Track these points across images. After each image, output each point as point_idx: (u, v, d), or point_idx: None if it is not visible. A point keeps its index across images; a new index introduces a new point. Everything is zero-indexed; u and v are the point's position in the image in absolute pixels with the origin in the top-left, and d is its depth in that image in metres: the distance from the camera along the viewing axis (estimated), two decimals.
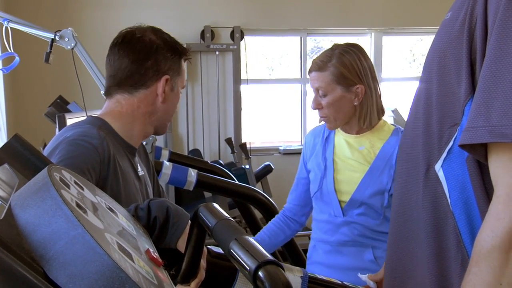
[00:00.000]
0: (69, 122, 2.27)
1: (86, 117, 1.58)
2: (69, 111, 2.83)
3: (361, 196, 1.83)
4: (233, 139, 5.05)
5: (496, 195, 0.80)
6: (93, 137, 1.36)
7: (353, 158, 1.89)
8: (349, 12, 5.41)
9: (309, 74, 1.92)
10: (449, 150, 0.94)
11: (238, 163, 4.82)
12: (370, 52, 5.68)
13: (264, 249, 2.20)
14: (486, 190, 0.88)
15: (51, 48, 2.29)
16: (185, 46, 1.59)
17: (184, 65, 1.58)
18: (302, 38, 5.56)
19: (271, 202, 2.70)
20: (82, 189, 0.83)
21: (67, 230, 0.62)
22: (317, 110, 1.92)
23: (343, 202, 1.87)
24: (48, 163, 1.01)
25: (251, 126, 5.43)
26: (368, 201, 1.82)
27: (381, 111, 1.93)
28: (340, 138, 1.96)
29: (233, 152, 4.90)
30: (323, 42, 5.92)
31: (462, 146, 0.84)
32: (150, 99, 1.50)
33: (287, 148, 5.38)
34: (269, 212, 2.66)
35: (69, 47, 2.27)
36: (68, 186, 0.76)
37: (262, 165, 4.66)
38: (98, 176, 1.33)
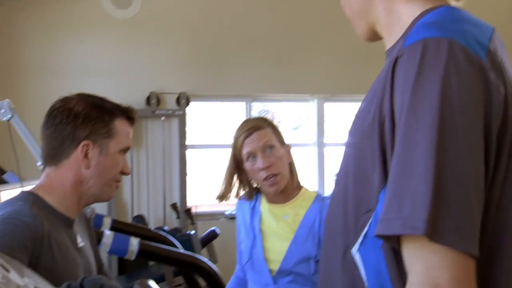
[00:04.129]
0: (2, 194, 2.20)
1: (20, 188, 1.56)
2: (4, 181, 2.75)
3: (288, 265, 1.85)
4: (178, 204, 5.01)
5: (409, 282, 0.84)
6: (25, 215, 1.34)
7: (279, 228, 1.92)
8: (293, 79, 5.58)
9: (246, 138, 1.92)
10: (365, 234, 0.97)
11: (183, 229, 4.76)
12: (313, 117, 5.85)
13: None
14: (401, 275, 0.90)
15: None
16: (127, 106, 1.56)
17: (123, 125, 1.54)
18: (247, 104, 5.67)
19: (213, 270, 2.67)
20: (8, 271, 0.82)
21: None
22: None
23: (273, 271, 1.89)
24: None
25: (196, 191, 5.40)
26: (295, 269, 1.84)
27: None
28: (265, 208, 1.99)
29: (178, 217, 4.85)
30: (270, 105, 6.05)
31: (377, 236, 0.88)
32: (75, 168, 1.48)
33: (233, 212, 5.36)
34: (212, 280, 2.63)
35: (5, 118, 2.23)
36: None
37: (208, 230, 4.62)
38: (31, 253, 1.30)
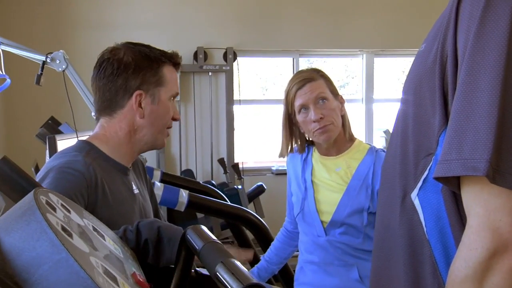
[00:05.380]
0: (60, 143, 2.27)
1: (76, 139, 1.59)
2: (60, 132, 2.83)
3: (340, 216, 1.85)
4: (225, 160, 5.05)
5: (469, 225, 0.82)
6: (79, 164, 1.39)
7: (331, 179, 1.91)
8: (341, 34, 5.47)
9: (298, 90, 1.89)
10: (424, 179, 0.95)
11: (230, 184, 4.82)
12: (362, 73, 5.74)
13: (273, 264, 2.17)
14: (461, 219, 0.89)
15: (42, 70, 2.30)
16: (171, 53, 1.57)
17: (171, 72, 1.56)
18: (294, 59, 5.60)
19: (262, 222, 2.69)
20: (69, 212, 0.84)
21: (51, 254, 0.62)
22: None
23: (325, 222, 1.89)
24: (36, 185, 1.01)
25: (243, 146, 5.43)
26: (348, 220, 1.84)
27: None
28: (317, 160, 1.97)
29: (225, 172, 4.90)
30: (316, 63, 5.96)
31: (437, 178, 0.86)
32: (129, 118, 1.51)
33: (280, 168, 5.39)
34: (260, 232, 2.66)
35: (60, 69, 2.28)
36: (54, 209, 0.76)
37: (255, 185, 4.66)
38: (86, 201, 1.34)
